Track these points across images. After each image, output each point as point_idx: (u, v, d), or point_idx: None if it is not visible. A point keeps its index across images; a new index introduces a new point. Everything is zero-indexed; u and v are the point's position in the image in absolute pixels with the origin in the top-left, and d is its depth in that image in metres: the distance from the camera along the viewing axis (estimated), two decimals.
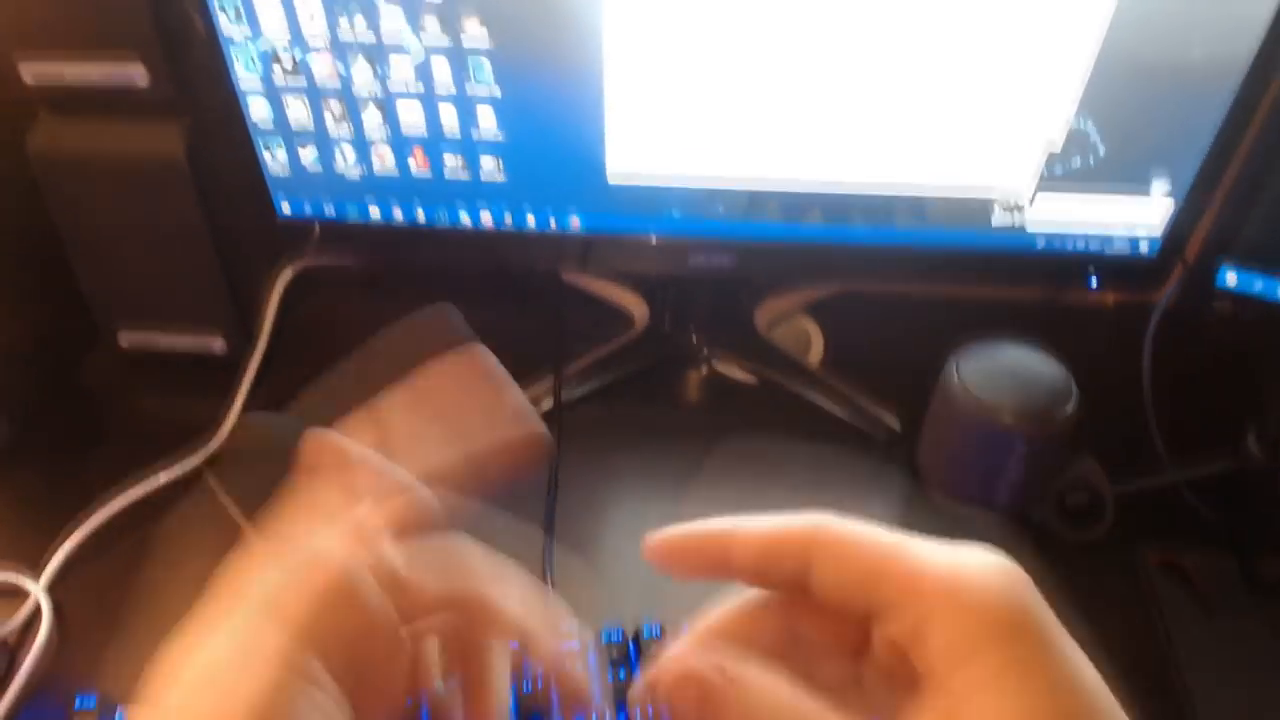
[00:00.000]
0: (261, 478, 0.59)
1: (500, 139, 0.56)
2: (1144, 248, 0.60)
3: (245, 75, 0.53)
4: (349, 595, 0.26)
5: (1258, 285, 0.62)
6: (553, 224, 0.60)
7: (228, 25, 0.52)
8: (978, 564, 0.24)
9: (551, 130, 0.55)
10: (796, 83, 0.53)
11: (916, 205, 0.58)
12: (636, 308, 0.74)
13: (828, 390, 0.68)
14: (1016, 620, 0.23)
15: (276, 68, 0.53)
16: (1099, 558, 0.57)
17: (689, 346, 0.71)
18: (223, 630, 0.25)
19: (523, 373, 0.68)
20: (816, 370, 0.70)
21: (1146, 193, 0.57)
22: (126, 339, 0.65)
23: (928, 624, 0.23)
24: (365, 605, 0.26)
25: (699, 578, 0.27)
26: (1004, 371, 0.55)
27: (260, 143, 0.56)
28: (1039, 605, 0.23)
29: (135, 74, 0.54)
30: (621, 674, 0.46)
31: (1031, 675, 0.22)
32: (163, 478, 0.57)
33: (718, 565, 0.26)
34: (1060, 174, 0.56)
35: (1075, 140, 0.55)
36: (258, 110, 0.55)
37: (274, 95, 0.54)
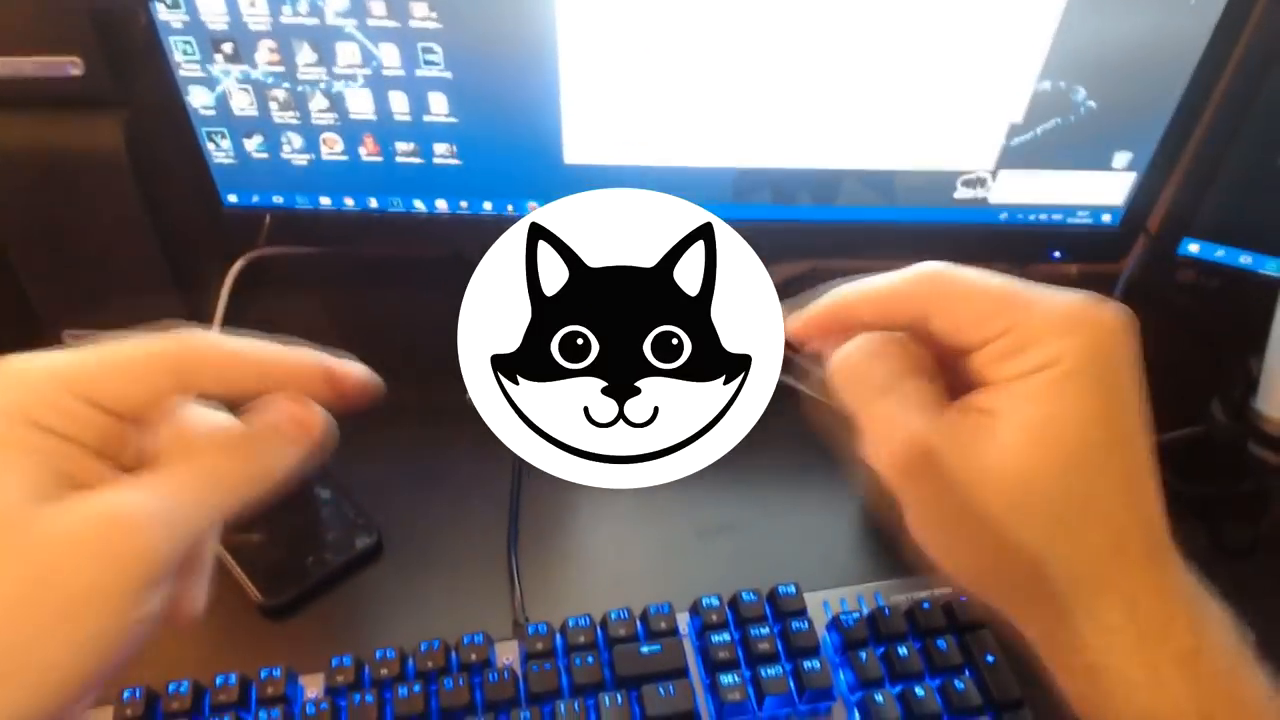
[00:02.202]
0: None
1: (453, 123, 0.55)
2: (1106, 220, 0.60)
3: (184, 63, 0.52)
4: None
5: (1219, 253, 0.62)
6: (510, 209, 0.59)
7: (164, 11, 0.50)
8: (1087, 303, 0.27)
9: (506, 113, 0.54)
10: (754, 63, 0.52)
11: (881, 182, 0.58)
12: None
13: (796, 369, 0.68)
14: (1102, 351, 0.26)
15: (216, 55, 0.51)
16: None
17: None
18: None
19: None
20: (785, 349, 0.70)
21: (1108, 167, 0.57)
22: (70, 336, 0.64)
23: (1030, 343, 0.26)
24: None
25: (835, 341, 0.31)
26: None
27: (202, 132, 0.55)
28: (1129, 350, 0.27)
29: (70, 65, 0.52)
30: (589, 659, 0.45)
31: (1083, 396, 0.26)
32: None
33: (848, 326, 0.30)
34: (1022, 150, 0.56)
35: (1037, 117, 0.54)
36: (198, 99, 0.53)
37: (214, 83, 0.53)
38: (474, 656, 0.45)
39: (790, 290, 0.78)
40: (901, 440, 0.28)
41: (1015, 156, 0.56)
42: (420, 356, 0.70)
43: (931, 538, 0.29)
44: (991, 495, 0.26)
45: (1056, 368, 0.26)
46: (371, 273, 0.76)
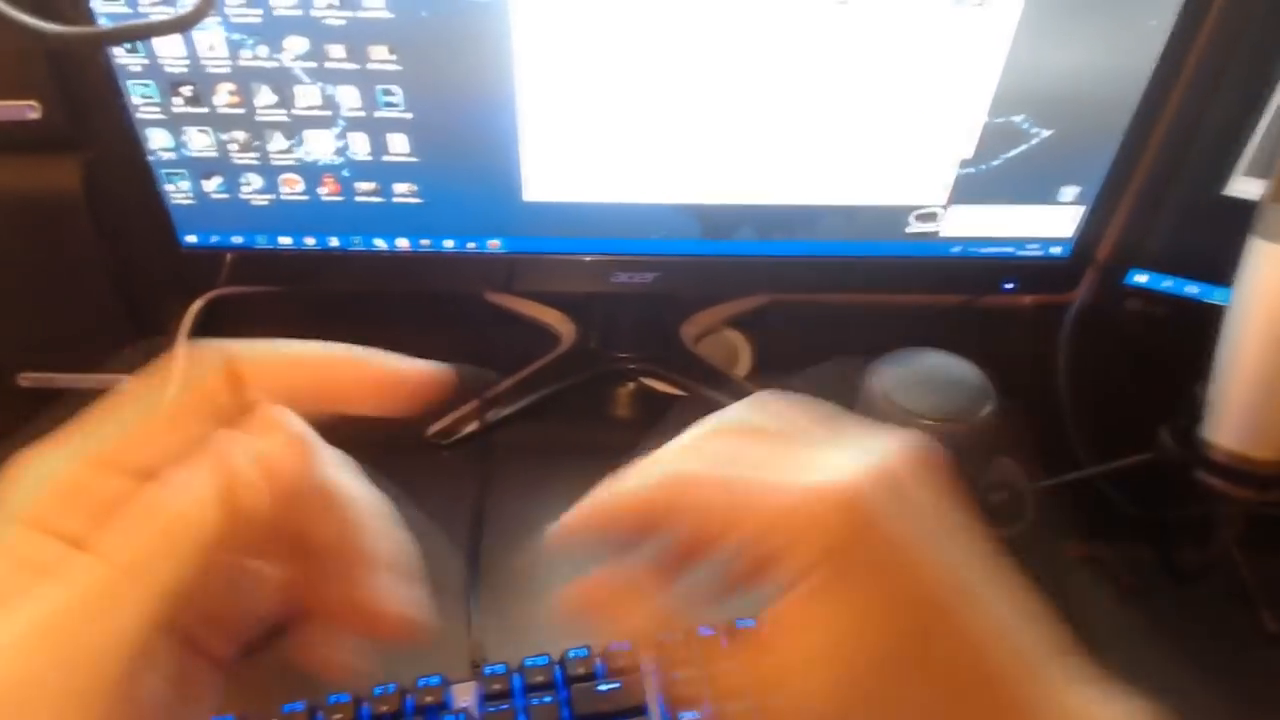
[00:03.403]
0: None
1: (414, 162, 0.55)
2: (1056, 252, 0.62)
3: (142, 105, 0.52)
4: (204, 547, 0.21)
5: (1166, 283, 0.63)
6: (471, 246, 0.60)
7: (123, 55, 0.50)
8: (826, 489, 0.24)
9: (465, 152, 0.55)
10: (709, 102, 0.53)
11: (835, 218, 0.59)
12: (563, 325, 0.74)
13: None
14: (849, 541, 0.24)
15: (175, 97, 0.52)
16: (1023, 553, 0.58)
17: (617, 362, 0.71)
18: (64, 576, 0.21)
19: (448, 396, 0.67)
20: (745, 381, 0.70)
21: (1056, 201, 0.59)
22: (27, 378, 0.63)
23: (777, 553, 0.24)
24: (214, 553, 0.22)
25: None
26: (921, 376, 0.56)
27: (161, 174, 0.55)
28: (883, 520, 0.24)
29: (28, 108, 0.52)
30: (546, 699, 0.45)
31: (852, 595, 0.24)
32: None
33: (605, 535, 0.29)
34: (973, 185, 0.57)
35: (987, 153, 0.56)
36: (157, 140, 0.53)
37: (173, 125, 0.53)
38: (429, 699, 0.45)
39: (751, 319, 0.79)
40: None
41: (966, 191, 0.58)
42: None
43: None
44: None
45: (804, 584, 0.24)
46: (333, 311, 0.76)
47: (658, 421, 0.69)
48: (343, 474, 0.26)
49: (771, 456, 0.26)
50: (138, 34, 0.47)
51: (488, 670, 0.46)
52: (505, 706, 0.44)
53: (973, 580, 0.25)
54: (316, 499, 0.25)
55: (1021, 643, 0.25)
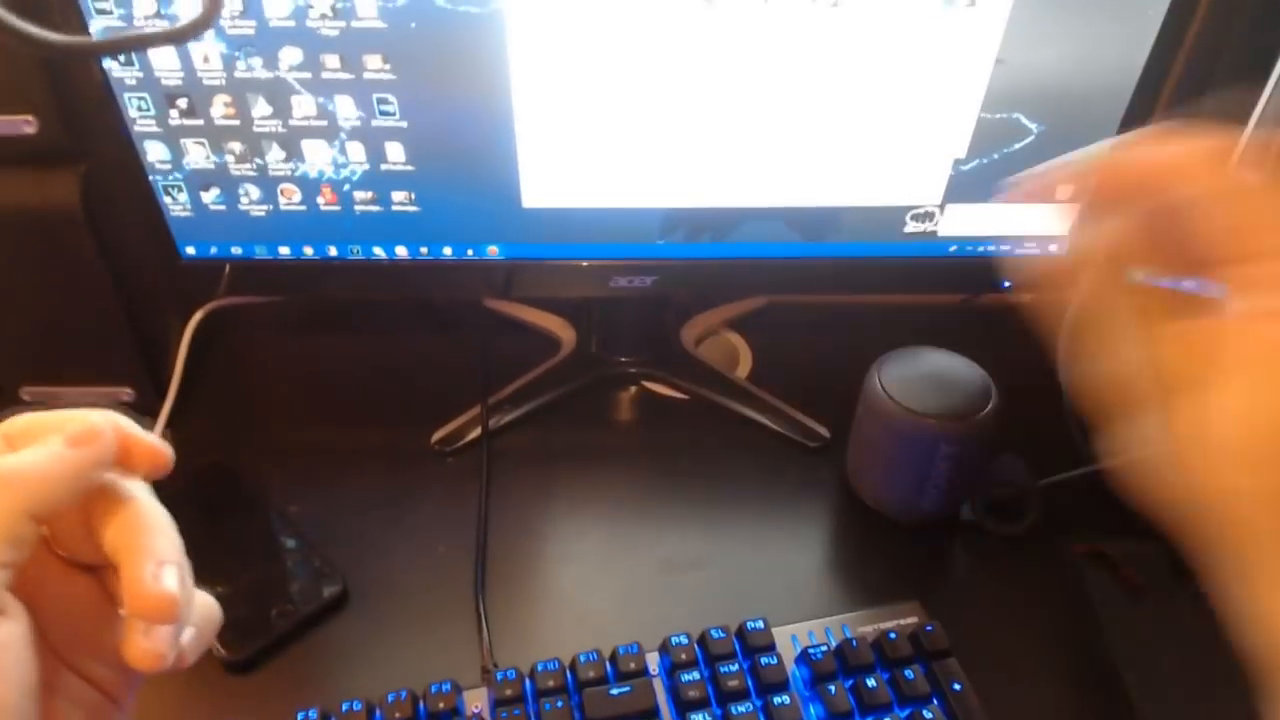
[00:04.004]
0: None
1: (410, 171, 0.55)
2: (1053, 250, 0.62)
3: (138, 118, 0.52)
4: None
5: (1164, 280, 0.64)
6: (469, 254, 0.60)
7: (118, 68, 0.50)
8: None
9: (463, 160, 0.55)
10: (706, 107, 0.53)
11: (832, 219, 0.59)
12: (563, 331, 0.74)
13: (757, 402, 0.69)
14: None
15: (171, 110, 0.52)
16: (1028, 551, 0.58)
17: (617, 367, 0.71)
18: None
19: (450, 402, 0.67)
20: (745, 383, 0.71)
21: (1051, 199, 0.59)
22: (29, 392, 0.63)
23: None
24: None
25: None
26: (924, 375, 0.56)
27: (159, 186, 0.55)
28: None
29: (24, 122, 0.52)
30: (559, 703, 0.45)
31: None
32: None
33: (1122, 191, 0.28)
34: (968, 184, 0.57)
35: (980, 151, 0.56)
36: (154, 153, 0.53)
37: (170, 137, 0.53)
38: (441, 705, 0.45)
39: (751, 321, 0.79)
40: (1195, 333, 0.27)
41: (961, 190, 0.58)
42: (383, 402, 0.71)
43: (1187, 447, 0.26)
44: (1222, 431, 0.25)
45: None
46: (333, 320, 0.77)
47: (659, 425, 0.69)
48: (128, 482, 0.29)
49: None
50: (140, 44, 0.47)
51: (499, 675, 0.46)
52: (517, 711, 0.44)
53: None
54: (107, 498, 0.28)
55: None
